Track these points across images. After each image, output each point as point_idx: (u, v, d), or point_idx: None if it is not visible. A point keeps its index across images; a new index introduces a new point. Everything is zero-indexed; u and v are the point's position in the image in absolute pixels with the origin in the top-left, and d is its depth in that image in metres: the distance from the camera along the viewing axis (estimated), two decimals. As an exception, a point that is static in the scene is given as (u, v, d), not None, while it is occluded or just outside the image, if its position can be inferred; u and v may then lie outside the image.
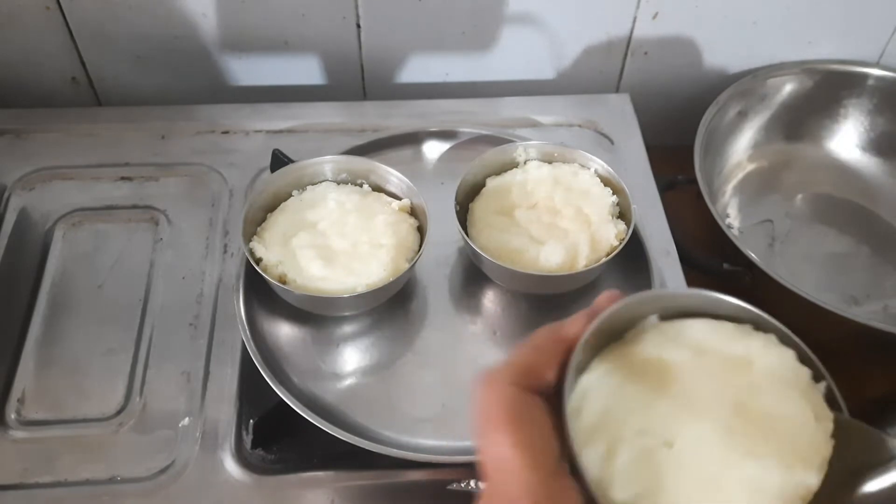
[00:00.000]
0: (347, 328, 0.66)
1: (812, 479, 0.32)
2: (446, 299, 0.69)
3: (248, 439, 0.61)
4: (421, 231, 0.67)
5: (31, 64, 0.83)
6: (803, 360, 0.36)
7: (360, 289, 0.61)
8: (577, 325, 0.35)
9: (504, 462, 0.31)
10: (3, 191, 0.75)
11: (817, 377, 0.35)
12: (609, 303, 0.36)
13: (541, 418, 0.32)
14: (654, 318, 0.37)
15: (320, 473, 0.59)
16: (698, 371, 0.35)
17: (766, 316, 0.37)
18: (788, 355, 0.36)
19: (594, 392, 0.35)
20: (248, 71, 0.86)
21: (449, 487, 0.58)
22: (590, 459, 0.33)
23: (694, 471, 0.32)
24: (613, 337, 0.37)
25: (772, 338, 0.36)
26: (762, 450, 0.32)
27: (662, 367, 0.35)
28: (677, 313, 0.38)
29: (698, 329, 0.36)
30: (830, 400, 0.35)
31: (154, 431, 0.61)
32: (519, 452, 0.31)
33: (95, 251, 0.71)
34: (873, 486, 0.31)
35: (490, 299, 0.69)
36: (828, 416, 0.34)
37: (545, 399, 0.33)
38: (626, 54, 0.88)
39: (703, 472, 0.32)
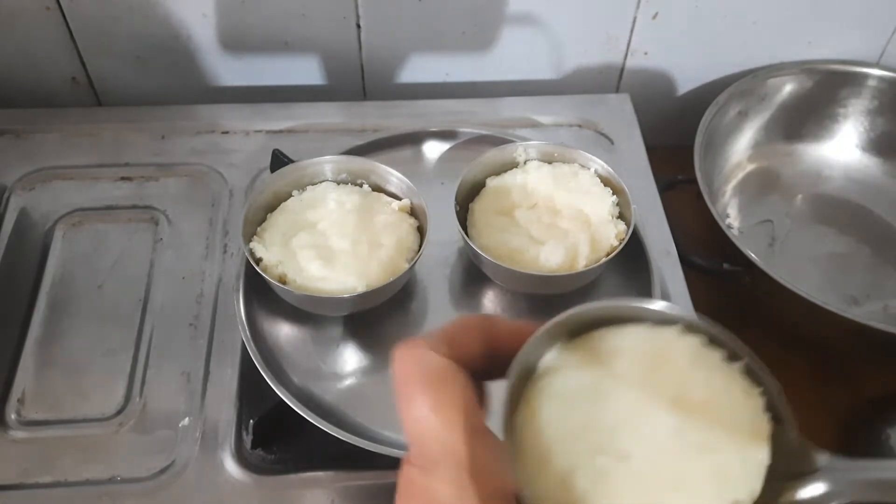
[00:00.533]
0: (347, 328, 0.66)
1: (764, 455, 0.32)
2: (446, 299, 0.69)
3: (248, 439, 0.61)
4: (421, 231, 0.67)
5: (31, 64, 0.83)
6: (713, 342, 0.36)
7: (360, 289, 0.61)
8: (510, 331, 0.35)
9: (423, 424, 0.31)
10: (3, 191, 0.75)
11: (732, 357, 0.36)
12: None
13: (461, 381, 0.32)
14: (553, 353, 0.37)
15: (320, 473, 0.59)
16: (622, 379, 0.35)
17: (695, 317, 0.37)
18: (695, 342, 0.36)
19: (532, 423, 0.35)
20: (248, 71, 0.86)
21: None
22: (546, 493, 0.32)
23: (657, 478, 0.32)
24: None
25: (679, 329, 0.36)
26: (714, 439, 0.32)
27: (585, 387, 0.35)
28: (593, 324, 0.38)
29: (609, 340, 0.36)
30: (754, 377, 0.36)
31: (154, 431, 0.61)
32: (438, 413, 0.30)
33: (95, 251, 0.71)
34: (797, 494, 0.32)
35: (490, 299, 0.69)
36: (755, 391, 0.34)
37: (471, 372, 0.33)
38: (626, 54, 0.88)
39: (666, 478, 0.32)
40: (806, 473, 0.32)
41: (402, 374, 0.32)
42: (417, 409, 0.31)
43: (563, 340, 0.37)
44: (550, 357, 0.36)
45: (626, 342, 0.36)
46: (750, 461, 0.32)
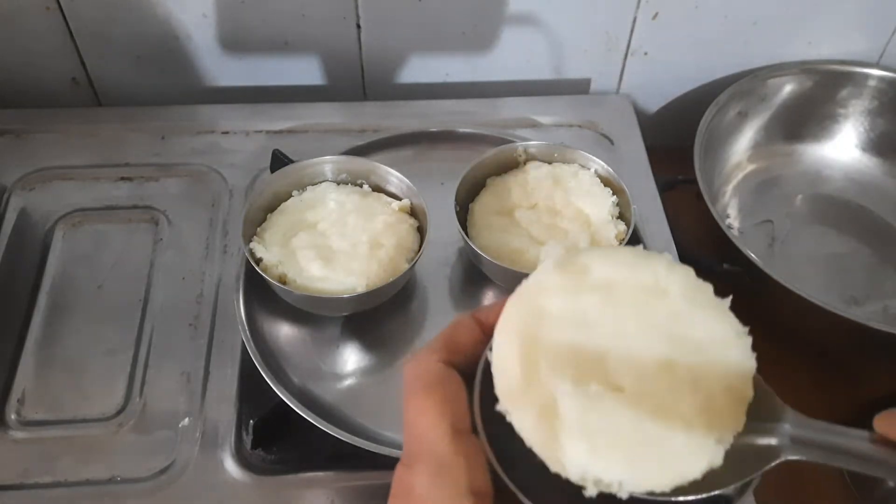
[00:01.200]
0: (347, 328, 0.67)
1: (749, 393, 0.33)
2: (446, 299, 0.69)
3: (248, 439, 0.61)
4: (421, 231, 0.67)
5: (31, 64, 0.83)
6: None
7: (360, 289, 0.61)
8: (496, 312, 0.36)
9: (414, 424, 0.33)
10: (3, 191, 0.75)
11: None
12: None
13: (453, 386, 0.34)
14: (549, 261, 0.37)
15: (320, 473, 0.60)
16: (616, 308, 0.34)
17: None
18: (690, 273, 0.36)
19: (510, 356, 0.34)
20: (248, 71, 0.86)
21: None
22: (523, 422, 0.32)
23: (649, 409, 0.32)
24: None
25: (667, 256, 0.36)
26: (705, 376, 0.33)
27: (579, 313, 0.34)
28: None
29: (595, 262, 0.36)
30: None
31: (154, 432, 0.61)
32: (427, 414, 0.33)
33: (95, 251, 0.71)
34: (755, 439, 0.33)
35: (490, 299, 0.69)
36: (743, 330, 0.34)
37: (465, 375, 0.35)
38: (626, 54, 0.88)
39: (657, 411, 0.32)
40: (766, 421, 0.33)
41: (407, 382, 0.35)
42: (408, 413, 0.34)
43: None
44: (540, 276, 0.36)
45: (619, 270, 0.35)
46: (736, 399, 0.33)
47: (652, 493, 0.31)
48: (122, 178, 0.77)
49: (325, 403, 0.62)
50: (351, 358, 0.65)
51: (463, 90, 0.89)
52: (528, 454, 0.32)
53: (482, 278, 0.68)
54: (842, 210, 0.87)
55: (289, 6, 0.80)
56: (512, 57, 0.87)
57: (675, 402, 0.32)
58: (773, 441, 0.33)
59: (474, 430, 0.34)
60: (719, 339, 0.34)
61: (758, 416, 0.33)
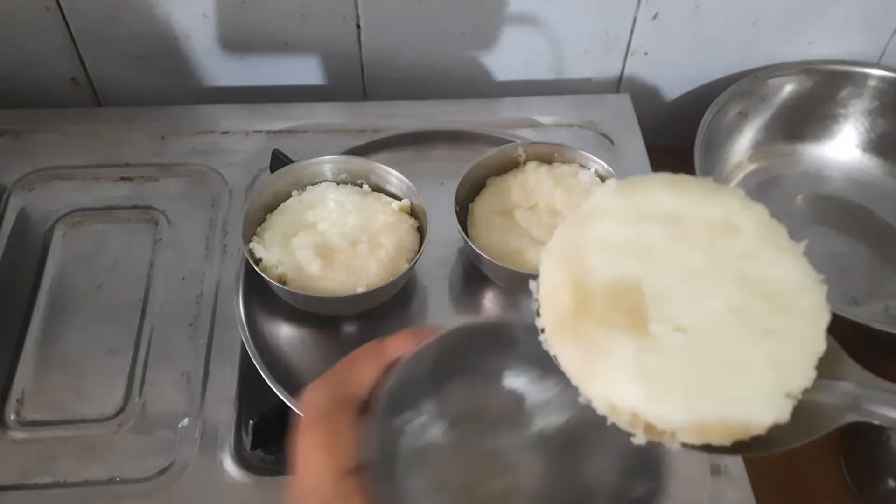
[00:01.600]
0: (347, 328, 0.66)
1: (822, 346, 0.30)
2: (446, 299, 0.69)
3: (247, 440, 0.61)
4: (421, 231, 0.67)
5: (31, 64, 0.83)
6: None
7: (360, 289, 0.61)
8: (400, 346, 0.36)
9: (304, 458, 0.34)
10: (2, 191, 0.75)
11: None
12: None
13: (344, 420, 0.34)
14: (612, 183, 0.33)
15: (320, 474, 0.59)
16: (683, 242, 0.31)
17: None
18: (764, 211, 0.33)
19: (560, 282, 0.31)
20: (248, 71, 0.86)
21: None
22: (572, 359, 0.29)
23: (714, 358, 0.29)
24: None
25: (739, 192, 0.33)
26: (777, 325, 0.30)
27: (639, 243, 0.31)
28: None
29: (661, 192, 0.32)
30: None
31: (154, 432, 0.61)
32: (316, 450, 0.33)
33: (95, 251, 0.71)
34: (818, 396, 0.30)
35: (490, 299, 0.69)
36: (819, 278, 0.32)
37: (359, 407, 0.35)
38: (626, 54, 0.88)
39: (723, 358, 0.29)
40: (831, 378, 0.30)
41: (301, 413, 0.35)
42: (301, 446, 0.34)
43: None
44: (600, 199, 0.32)
45: (687, 200, 0.32)
46: (808, 351, 0.30)
47: (709, 447, 0.29)
48: (122, 178, 0.77)
49: (325, 403, 0.62)
50: (351, 358, 0.65)
51: (463, 90, 0.89)
52: (421, 495, 0.30)
53: (482, 278, 0.68)
54: (842, 210, 0.87)
55: (289, 6, 0.80)
56: (512, 57, 0.87)
57: (743, 349, 0.29)
58: (837, 400, 0.30)
59: (367, 466, 0.33)
60: (793, 285, 0.31)
61: (822, 371, 0.30)
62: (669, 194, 0.32)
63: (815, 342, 0.30)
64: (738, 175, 0.89)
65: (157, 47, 0.83)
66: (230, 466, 0.59)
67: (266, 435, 0.61)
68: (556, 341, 0.30)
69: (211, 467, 0.59)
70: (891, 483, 0.65)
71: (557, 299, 0.31)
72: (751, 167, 0.89)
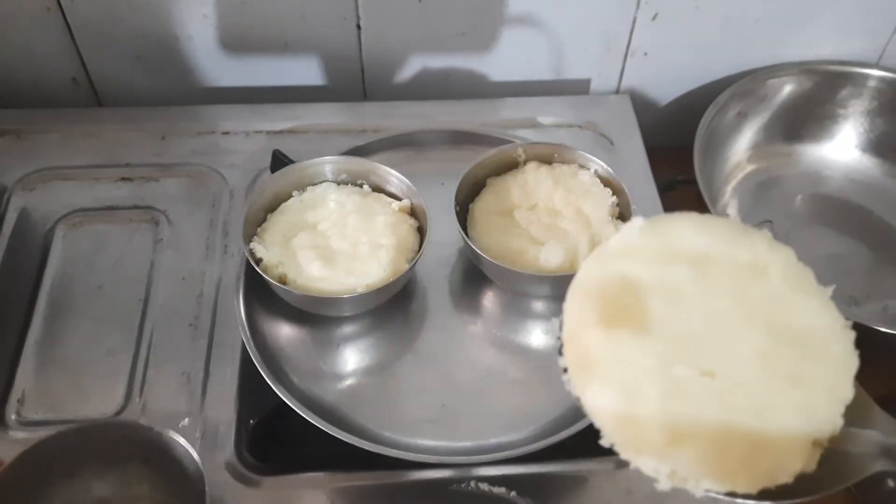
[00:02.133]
0: (347, 328, 0.67)
1: (850, 393, 0.30)
2: (446, 299, 0.69)
3: (247, 440, 0.61)
4: (421, 231, 0.67)
5: (31, 64, 0.83)
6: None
7: (360, 289, 0.61)
8: None
9: None
10: (3, 191, 0.75)
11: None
12: None
13: None
14: (637, 220, 0.33)
15: (320, 474, 0.60)
16: (711, 285, 0.30)
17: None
18: (791, 255, 0.32)
19: (586, 322, 0.30)
20: (248, 71, 0.86)
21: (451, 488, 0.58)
22: (596, 399, 0.29)
23: (740, 403, 0.28)
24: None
25: (767, 234, 0.33)
26: (805, 372, 0.29)
27: (666, 283, 0.30)
28: None
29: (689, 232, 0.32)
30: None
31: (154, 432, 0.61)
32: None
33: (96, 252, 0.71)
34: (846, 444, 0.30)
35: (490, 299, 0.69)
36: (847, 323, 0.31)
37: None
38: (626, 55, 0.88)
39: (750, 405, 0.28)
40: (858, 426, 0.30)
41: None
42: None
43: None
44: (626, 237, 0.32)
45: (715, 242, 0.31)
46: (836, 399, 0.29)
47: (733, 494, 0.29)
48: (123, 179, 0.77)
49: (325, 403, 0.62)
50: (351, 358, 0.65)
51: (463, 90, 0.89)
52: None
53: (482, 278, 0.68)
54: (842, 210, 0.87)
55: (289, 7, 0.80)
56: (512, 57, 0.87)
57: (771, 396, 0.29)
58: (864, 449, 0.30)
59: None
60: (822, 331, 0.30)
61: (850, 419, 0.30)
62: (697, 235, 0.32)
63: (844, 390, 0.30)
64: (737, 175, 0.89)
65: (158, 47, 0.83)
66: (230, 466, 0.59)
67: (267, 435, 0.61)
68: (579, 382, 0.30)
69: (211, 467, 0.59)
70: (891, 483, 0.65)
71: (581, 338, 0.30)
72: (750, 167, 0.89)
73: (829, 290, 0.32)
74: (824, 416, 0.29)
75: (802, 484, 0.29)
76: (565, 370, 0.30)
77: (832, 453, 0.29)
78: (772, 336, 0.30)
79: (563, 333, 0.31)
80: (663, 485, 0.28)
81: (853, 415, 0.30)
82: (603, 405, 0.29)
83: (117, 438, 0.55)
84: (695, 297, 0.30)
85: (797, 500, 0.29)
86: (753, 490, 0.28)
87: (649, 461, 0.28)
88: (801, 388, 0.29)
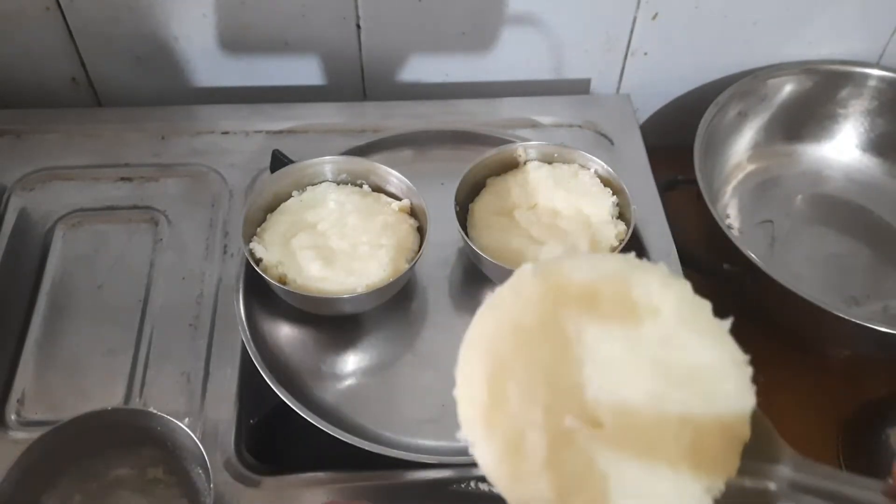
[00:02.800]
0: (347, 328, 0.66)
1: (746, 433, 0.29)
2: (446, 299, 0.69)
3: (247, 439, 0.61)
4: (421, 231, 0.67)
5: (31, 64, 0.83)
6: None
7: (360, 289, 0.61)
8: None
9: None
10: (3, 191, 0.75)
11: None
12: None
13: None
14: (527, 267, 0.32)
15: (320, 473, 0.59)
16: (602, 329, 0.30)
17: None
18: (687, 289, 0.31)
19: (476, 377, 0.29)
20: (248, 71, 0.86)
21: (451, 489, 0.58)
22: (485, 456, 0.28)
23: (629, 452, 0.28)
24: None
25: (662, 268, 0.31)
26: (697, 412, 0.29)
27: (555, 330, 0.30)
28: None
29: (579, 273, 0.31)
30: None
31: (154, 432, 0.61)
32: None
33: (95, 252, 0.71)
34: (748, 482, 0.29)
35: (490, 299, 0.69)
36: (743, 359, 0.30)
37: None
38: (626, 54, 0.88)
39: (639, 452, 0.28)
40: (764, 461, 0.29)
41: None
42: None
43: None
44: (517, 283, 0.31)
45: (607, 282, 0.31)
46: (731, 439, 0.29)
47: None
48: (122, 179, 0.77)
49: (325, 403, 0.62)
50: (351, 358, 0.65)
51: (463, 90, 0.89)
52: None
53: (482, 278, 0.68)
54: (842, 210, 0.87)
55: (288, 6, 0.80)
56: (512, 57, 0.87)
57: (661, 443, 0.28)
58: (769, 485, 0.29)
59: None
60: (714, 369, 0.30)
61: (756, 454, 0.29)
62: (588, 274, 0.31)
63: (738, 430, 0.29)
64: (737, 175, 0.89)
65: (157, 47, 0.83)
66: (230, 466, 0.59)
67: (267, 435, 0.61)
68: (472, 438, 0.29)
69: (211, 467, 0.59)
70: (891, 483, 0.65)
71: (472, 394, 0.30)
72: (750, 167, 0.90)
73: (727, 323, 0.30)
74: (718, 458, 0.29)
75: None
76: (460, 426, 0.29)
77: (735, 490, 0.29)
78: (662, 378, 0.29)
79: (455, 391, 0.30)
80: None
81: (759, 450, 0.29)
82: (489, 462, 0.28)
83: (130, 424, 0.57)
84: (583, 342, 0.30)
85: None
86: None
87: None
88: (691, 430, 0.28)
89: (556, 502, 0.27)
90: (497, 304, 0.31)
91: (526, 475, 0.28)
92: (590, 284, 0.31)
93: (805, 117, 0.89)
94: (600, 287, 0.31)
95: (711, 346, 0.30)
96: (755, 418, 0.30)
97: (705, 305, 0.31)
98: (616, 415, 0.29)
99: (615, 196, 0.68)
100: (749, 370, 0.30)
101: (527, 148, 0.71)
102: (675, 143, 0.81)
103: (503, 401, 0.29)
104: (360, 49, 0.84)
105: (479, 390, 0.29)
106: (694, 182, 0.75)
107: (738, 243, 0.70)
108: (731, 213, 0.86)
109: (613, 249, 0.64)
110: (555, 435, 0.28)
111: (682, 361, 0.30)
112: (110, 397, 0.62)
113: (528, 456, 0.28)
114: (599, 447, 0.28)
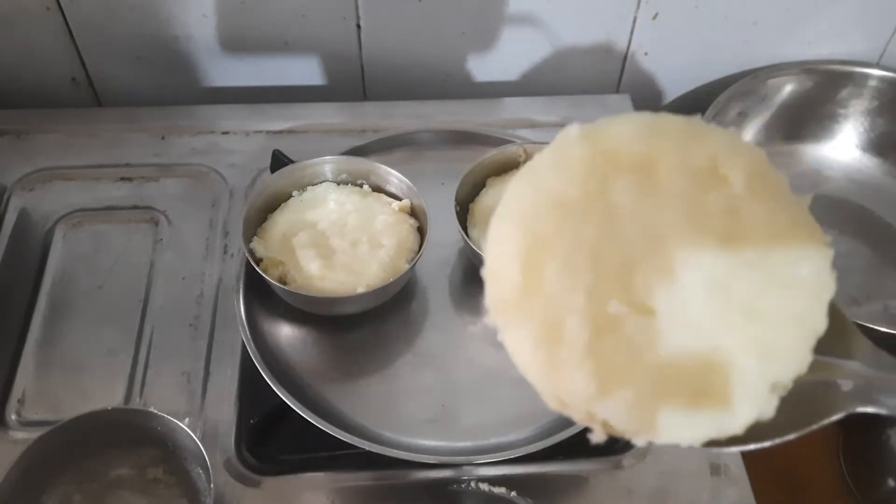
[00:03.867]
0: (347, 328, 0.66)
1: (823, 324, 0.25)
2: (446, 299, 0.69)
3: (247, 439, 0.61)
4: (421, 231, 0.67)
5: (31, 64, 0.83)
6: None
7: (360, 289, 0.61)
8: None
9: None
10: (3, 191, 0.75)
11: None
12: None
13: None
14: (573, 128, 0.27)
15: (320, 474, 0.60)
16: (656, 200, 0.25)
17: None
18: (759, 156, 0.26)
19: (508, 255, 0.25)
20: (248, 71, 0.86)
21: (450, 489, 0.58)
22: (517, 343, 0.24)
23: (686, 342, 0.24)
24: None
25: (731, 132, 0.27)
26: (766, 302, 0.24)
27: (603, 202, 0.25)
28: None
29: (633, 137, 0.26)
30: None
31: (154, 432, 0.61)
32: None
33: (95, 252, 0.71)
34: (820, 378, 0.25)
35: (490, 299, 0.69)
36: (823, 240, 0.26)
37: None
38: (626, 54, 0.88)
39: (697, 343, 0.24)
40: (837, 357, 0.25)
41: None
42: None
43: None
44: (559, 148, 0.27)
45: (665, 147, 0.25)
46: (804, 332, 0.25)
47: (677, 444, 0.25)
48: (122, 179, 0.77)
49: (325, 403, 0.62)
50: (351, 358, 0.65)
51: (463, 90, 0.89)
52: None
53: (482, 278, 0.68)
54: (842, 210, 0.87)
55: (289, 6, 0.80)
56: (512, 57, 0.87)
57: (722, 333, 0.24)
58: (841, 385, 0.25)
59: None
60: (788, 251, 0.25)
61: (829, 349, 0.25)
62: (642, 140, 0.26)
63: (815, 320, 0.25)
64: (737, 175, 0.89)
65: (158, 47, 0.83)
66: (231, 466, 0.59)
67: (266, 435, 0.61)
68: (501, 323, 0.26)
69: (211, 467, 0.59)
70: (891, 483, 0.65)
71: (503, 273, 0.26)
72: (751, 167, 0.89)
73: (808, 198, 0.26)
74: (787, 353, 0.24)
75: (759, 429, 0.25)
76: (488, 311, 0.26)
77: (805, 388, 0.25)
78: (727, 260, 0.24)
79: (485, 269, 0.26)
80: (597, 436, 0.25)
81: (832, 344, 0.25)
82: (522, 349, 0.25)
83: (130, 424, 0.57)
84: (635, 218, 0.25)
85: (759, 444, 0.25)
86: (698, 443, 0.25)
87: (577, 413, 0.24)
88: (760, 322, 0.24)
89: (597, 396, 0.24)
90: (535, 174, 0.27)
91: (564, 364, 0.24)
92: (645, 151, 0.26)
93: (805, 117, 0.89)
94: (657, 154, 0.26)
95: (786, 224, 0.25)
96: (831, 310, 0.25)
97: (782, 178, 0.26)
98: (670, 300, 0.24)
99: (615, 196, 0.68)
100: (830, 253, 0.25)
101: (527, 148, 0.71)
102: (675, 143, 0.81)
103: (539, 282, 0.25)
104: (360, 49, 0.84)
105: (511, 270, 0.25)
106: (694, 182, 0.75)
107: (738, 243, 0.70)
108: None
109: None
110: (598, 321, 0.24)
111: (751, 241, 0.25)
112: (110, 397, 0.62)
113: (567, 343, 0.24)
114: (649, 337, 0.24)
